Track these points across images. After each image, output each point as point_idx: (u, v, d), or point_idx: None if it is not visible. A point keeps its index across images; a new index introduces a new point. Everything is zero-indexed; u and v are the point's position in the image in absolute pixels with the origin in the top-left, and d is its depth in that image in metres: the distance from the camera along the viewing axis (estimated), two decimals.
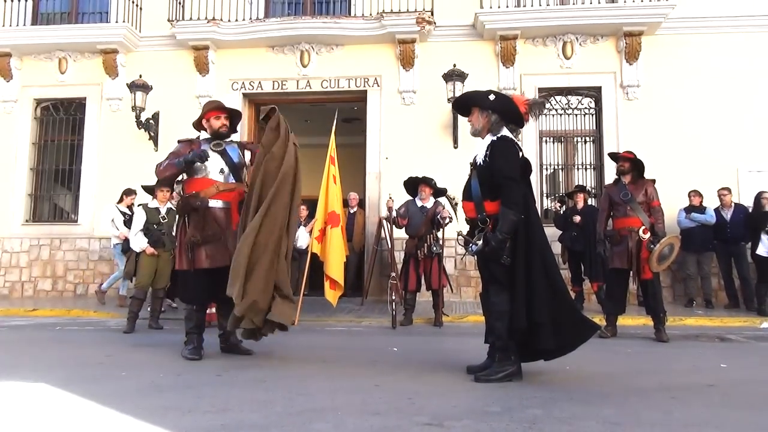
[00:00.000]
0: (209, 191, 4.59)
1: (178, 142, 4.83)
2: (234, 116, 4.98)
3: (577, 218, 8.30)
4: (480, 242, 3.70)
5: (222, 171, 4.66)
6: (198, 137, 4.89)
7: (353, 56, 10.36)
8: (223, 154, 4.70)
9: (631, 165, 6.10)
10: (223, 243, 4.53)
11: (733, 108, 9.51)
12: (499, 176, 3.69)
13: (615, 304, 6.16)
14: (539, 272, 3.63)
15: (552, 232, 9.25)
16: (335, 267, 7.45)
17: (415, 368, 4.18)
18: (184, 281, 4.71)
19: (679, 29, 9.73)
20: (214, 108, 4.83)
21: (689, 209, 8.70)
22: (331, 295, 7.51)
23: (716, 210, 8.64)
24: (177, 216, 4.82)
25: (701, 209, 8.63)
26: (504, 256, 3.62)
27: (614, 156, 6.44)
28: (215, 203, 4.61)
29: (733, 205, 8.62)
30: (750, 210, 8.45)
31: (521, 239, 3.65)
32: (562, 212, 8.77)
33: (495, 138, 3.82)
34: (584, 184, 9.35)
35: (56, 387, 3.43)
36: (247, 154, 4.88)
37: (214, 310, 6.16)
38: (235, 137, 5.08)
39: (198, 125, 4.91)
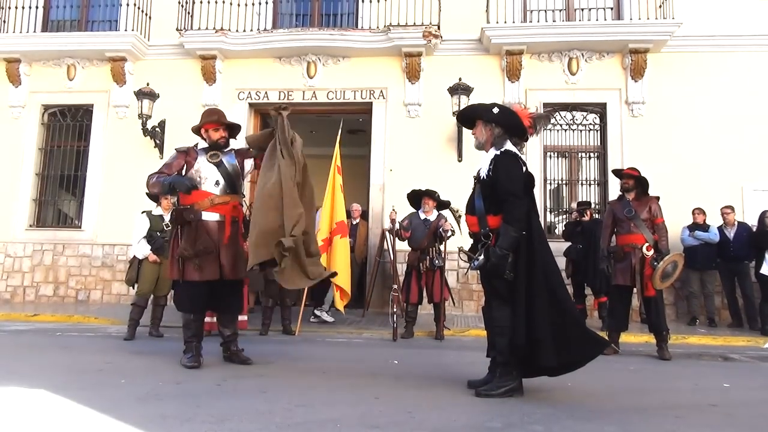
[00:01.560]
0: (203, 204, 4.57)
1: (176, 150, 4.80)
2: (233, 128, 4.97)
3: (575, 215, 8.54)
4: (482, 257, 3.69)
5: (217, 183, 4.64)
6: (196, 145, 4.84)
7: (359, 68, 10.42)
8: (220, 165, 4.68)
9: (635, 182, 6.09)
10: (215, 256, 4.51)
11: (738, 126, 9.52)
12: (502, 192, 3.69)
13: (617, 321, 6.12)
14: (541, 288, 3.61)
15: (556, 247, 9.26)
16: (342, 276, 7.50)
17: (415, 381, 4.16)
18: (178, 290, 4.71)
19: (685, 47, 9.77)
20: (212, 121, 4.80)
21: (692, 227, 8.68)
22: (340, 303, 7.57)
23: (719, 228, 8.62)
24: (171, 225, 4.81)
25: (704, 227, 8.62)
26: (506, 271, 3.61)
27: (618, 173, 6.44)
28: (209, 216, 4.58)
29: (736, 223, 8.59)
30: (754, 229, 8.43)
31: (523, 255, 3.64)
32: (573, 219, 8.68)
33: (498, 152, 3.81)
34: (589, 200, 9.36)
35: (55, 393, 3.42)
36: (248, 163, 4.86)
37: (214, 319, 6.19)
38: (234, 144, 5.07)
39: (197, 131, 4.89)
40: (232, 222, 4.65)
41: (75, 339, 6.52)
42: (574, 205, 9.21)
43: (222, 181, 4.66)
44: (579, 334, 3.68)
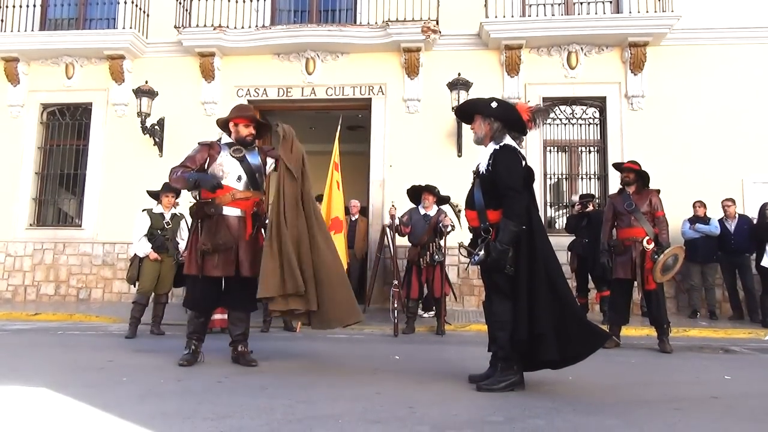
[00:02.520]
0: (224, 198, 4.51)
1: (199, 144, 4.71)
2: (263, 127, 4.92)
3: (577, 207, 8.38)
4: (482, 253, 3.68)
5: (239, 178, 4.57)
6: (219, 139, 4.77)
7: (358, 64, 10.40)
8: (242, 161, 4.62)
9: (636, 176, 6.08)
10: (234, 252, 4.46)
11: (738, 119, 9.51)
12: (501, 186, 3.68)
13: (618, 315, 6.12)
14: (542, 282, 3.61)
15: (557, 241, 9.23)
16: None
17: (416, 377, 4.16)
18: (191, 286, 4.66)
19: (685, 40, 9.74)
20: (246, 116, 4.72)
21: (693, 220, 8.67)
22: None
23: (720, 221, 8.61)
24: (191, 219, 4.76)
25: (705, 220, 8.60)
26: (507, 266, 3.60)
27: (618, 166, 6.42)
28: (230, 211, 4.53)
29: (737, 216, 8.58)
30: (755, 221, 8.42)
31: (524, 249, 3.63)
32: (576, 212, 8.48)
33: (497, 147, 3.80)
34: (592, 193, 9.33)
35: (57, 391, 3.42)
36: (270, 161, 4.79)
37: (219, 316, 6.19)
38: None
39: (224, 125, 4.79)
40: (253, 218, 4.61)
41: (76, 337, 6.53)
42: (575, 198, 9.14)
43: (244, 177, 4.60)
44: (580, 327, 3.68)
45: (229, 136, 4.74)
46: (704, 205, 8.68)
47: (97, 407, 3.07)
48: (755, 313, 8.26)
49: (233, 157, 4.60)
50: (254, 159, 4.70)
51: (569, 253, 8.50)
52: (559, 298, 3.64)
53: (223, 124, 4.82)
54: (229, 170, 4.58)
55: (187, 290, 4.79)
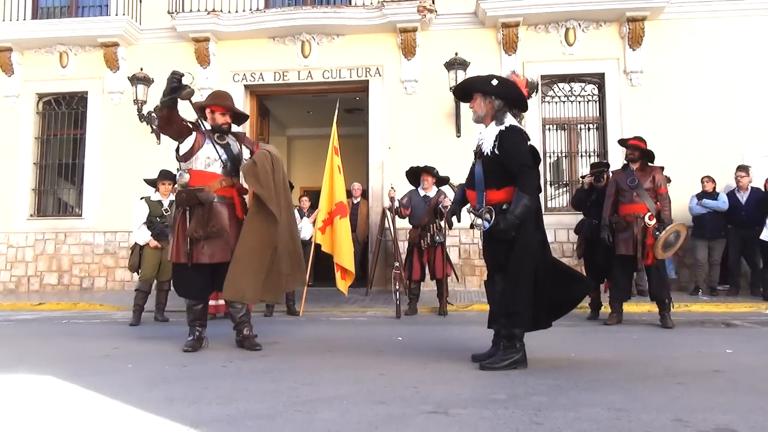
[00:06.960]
0: (214, 185, 4.52)
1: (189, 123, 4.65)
2: (239, 116, 4.92)
3: (588, 179, 6.80)
4: (492, 220, 3.68)
5: (224, 165, 4.59)
6: (198, 122, 4.67)
7: (354, 46, 10.31)
8: (227, 148, 4.64)
9: (641, 153, 6.04)
10: (225, 239, 4.48)
11: (738, 92, 9.43)
12: (514, 165, 3.66)
13: (620, 291, 6.13)
14: (532, 259, 3.67)
15: (558, 220, 9.21)
16: (345, 256, 7.51)
17: (420, 357, 4.18)
18: (180, 275, 4.63)
19: (683, 14, 9.64)
20: (222, 105, 4.70)
21: (701, 195, 8.56)
22: (343, 284, 7.58)
23: (731, 193, 8.45)
24: (176, 206, 4.70)
25: (714, 195, 8.50)
26: (513, 235, 3.63)
27: (623, 143, 6.37)
28: (219, 198, 4.54)
29: (749, 188, 8.39)
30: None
31: (524, 226, 3.65)
32: (587, 186, 6.82)
33: (503, 128, 3.76)
34: (606, 161, 8.29)
35: (63, 379, 3.45)
36: (246, 151, 4.79)
37: (220, 301, 6.22)
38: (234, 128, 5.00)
39: (201, 110, 4.73)
40: (242, 204, 4.66)
41: (81, 326, 6.57)
42: (585, 171, 8.05)
43: (229, 164, 4.62)
44: (565, 279, 3.81)
45: (205, 120, 4.70)
46: (712, 180, 8.51)
47: (104, 394, 3.09)
48: (757, 287, 8.24)
49: (218, 143, 4.60)
50: (235, 146, 4.73)
51: (578, 236, 7.10)
52: (552, 264, 3.77)
53: (199, 108, 4.75)
54: (216, 157, 4.58)
55: (175, 279, 4.77)
